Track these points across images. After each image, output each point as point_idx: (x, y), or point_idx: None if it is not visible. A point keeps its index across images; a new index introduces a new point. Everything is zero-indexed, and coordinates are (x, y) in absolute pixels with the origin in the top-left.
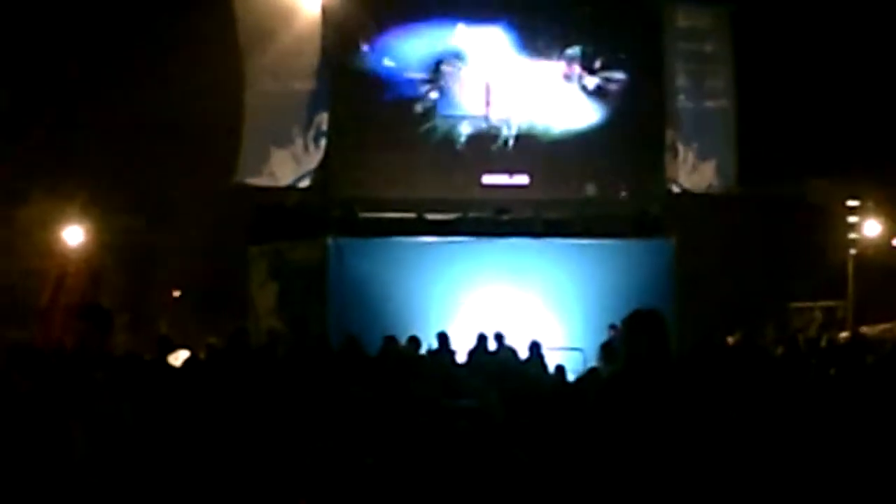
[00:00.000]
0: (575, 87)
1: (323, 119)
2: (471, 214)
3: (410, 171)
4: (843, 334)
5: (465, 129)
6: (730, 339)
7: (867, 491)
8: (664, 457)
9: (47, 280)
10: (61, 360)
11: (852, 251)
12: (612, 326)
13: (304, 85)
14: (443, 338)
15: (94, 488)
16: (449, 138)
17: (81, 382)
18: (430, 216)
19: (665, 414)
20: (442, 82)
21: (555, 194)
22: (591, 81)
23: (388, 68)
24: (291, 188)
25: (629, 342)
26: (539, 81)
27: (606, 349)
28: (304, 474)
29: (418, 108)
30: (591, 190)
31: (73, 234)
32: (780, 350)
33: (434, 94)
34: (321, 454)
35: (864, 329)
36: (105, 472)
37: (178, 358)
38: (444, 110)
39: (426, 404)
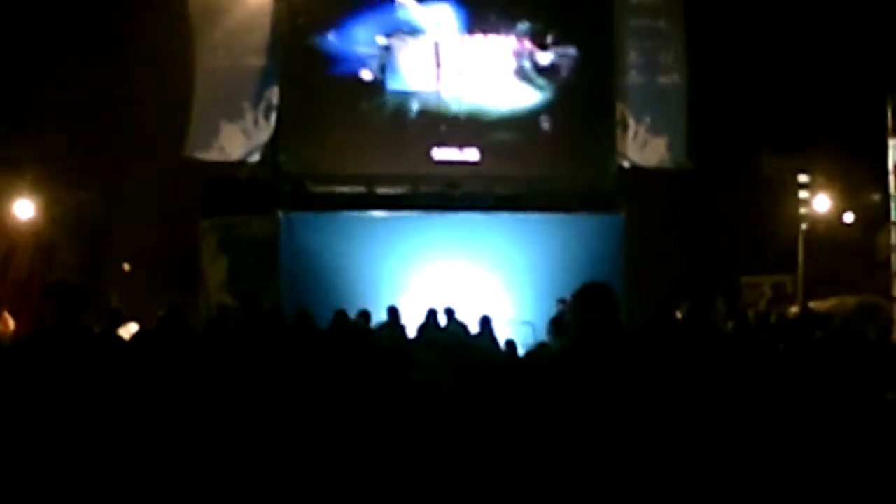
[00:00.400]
0: (525, 62)
1: (273, 94)
2: (421, 189)
3: (361, 146)
4: (793, 309)
5: (415, 105)
6: (678, 314)
7: (816, 464)
8: (614, 430)
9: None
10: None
11: (803, 226)
12: (561, 301)
13: (255, 60)
14: (393, 312)
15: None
16: (399, 113)
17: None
18: (381, 190)
19: (615, 387)
20: (391, 58)
21: (505, 170)
22: (542, 57)
23: (337, 44)
24: (242, 162)
25: (578, 316)
26: (489, 57)
27: (556, 323)
28: (254, 449)
29: (368, 83)
30: (545, 123)
31: (24, 208)
32: (729, 325)
33: (383, 70)
34: (271, 428)
35: (814, 304)
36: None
37: (129, 331)
38: (393, 85)
39: (377, 378)
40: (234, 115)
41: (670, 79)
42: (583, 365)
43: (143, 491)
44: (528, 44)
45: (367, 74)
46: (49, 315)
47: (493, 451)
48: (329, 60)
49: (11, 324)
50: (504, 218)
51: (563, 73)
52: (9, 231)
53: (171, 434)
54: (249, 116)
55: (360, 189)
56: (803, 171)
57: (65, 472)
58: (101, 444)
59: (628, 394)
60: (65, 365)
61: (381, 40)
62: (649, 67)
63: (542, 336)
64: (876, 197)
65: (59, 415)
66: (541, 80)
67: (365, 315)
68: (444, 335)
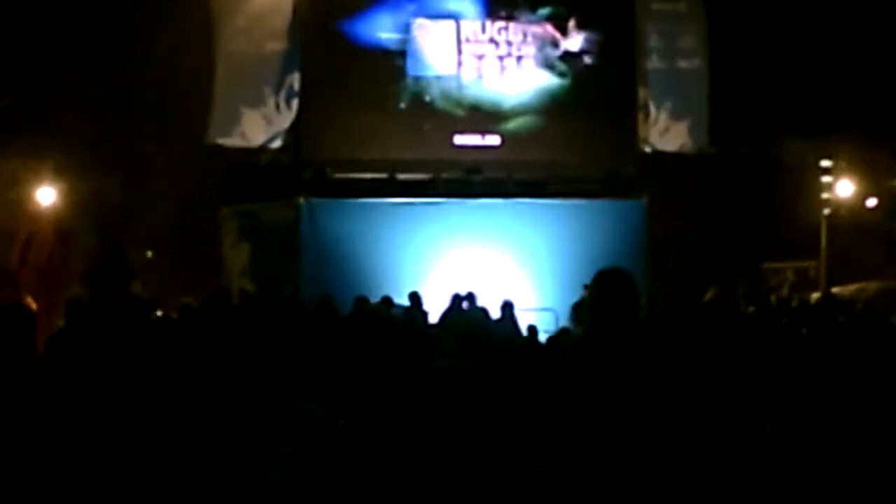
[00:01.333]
0: (547, 48)
1: (295, 79)
2: (443, 175)
3: (382, 132)
4: (815, 294)
5: (436, 90)
6: (707, 297)
7: (839, 449)
8: (634, 415)
9: (16, 240)
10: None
11: (826, 211)
12: (587, 286)
13: (277, 45)
14: (415, 297)
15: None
16: (420, 99)
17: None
18: (402, 177)
19: (633, 373)
20: (413, 43)
21: (526, 155)
22: (564, 42)
23: (359, 29)
24: (263, 148)
25: (594, 302)
26: (511, 42)
27: (578, 309)
28: (276, 434)
29: (389, 68)
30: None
31: (46, 195)
32: (751, 309)
33: (405, 55)
34: (293, 414)
35: (836, 289)
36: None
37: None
38: (415, 71)
39: (399, 363)
40: (256, 101)
41: (691, 63)
42: (597, 351)
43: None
44: (550, 28)
45: (388, 59)
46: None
47: (513, 437)
48: (351, 45)
49: (34, 307)
50: (525, 204)
51: (585, 58)
52: (30, 217)
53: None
54: (271, 102)
55: (382, 175)
56: (826, 157)
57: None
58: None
59: (645, 380)
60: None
61: (402, 26)
62: (670, 52)
63: (564, 322)
64: None
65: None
66: (562, 66)
67: (387, 301)
68: (465, 320)
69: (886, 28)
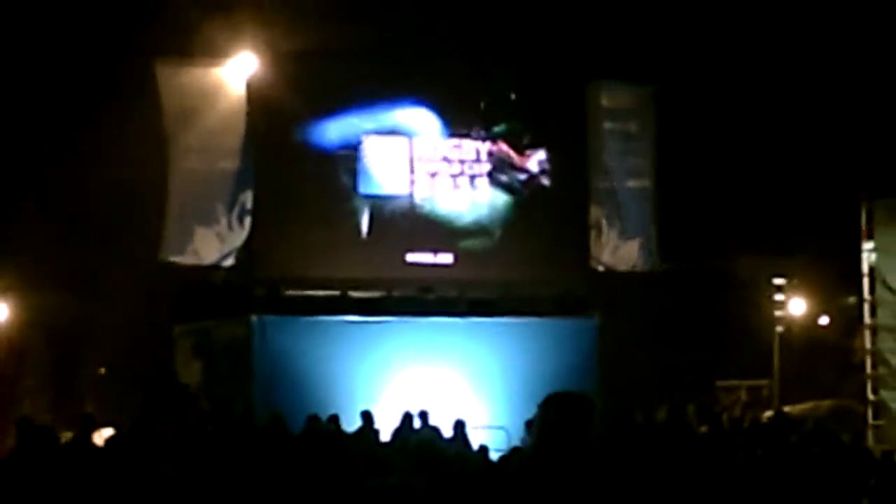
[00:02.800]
0: (502, 165)
1: (248, 197)
2: (395, 293)
3: (335, 250)
4: (768, 413)
5: (388, 208)
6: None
7: None
8: None
9: None
10: None
11: (779, 329)
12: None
13: (230, 163)
14: (367, 416)
15: None
16: (372, 217)
17: None
18: (355, 294)
19: (581, 492)
20: (364, 161)
21: (478, 274)
22: (518, 160)
23: (311, 147)
24: (216, 266)
25: (541, 423)
26: (464, 159)
27: (531, 427)
28: None
29: (342, 187)
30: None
31: None
32: (703, 429)
33: (357, 174)
34: None
35: (788, 408)
36: None
37: (103, 436)
38: (366, 189)
39: (350, 484)
40: (209, 219)
41: (641, 182)
42: (545, 470)
43: None
44: (504, 147)
45: (340, 178)
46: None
47: None
48: (303, 164)
49: None
50: (478, 322)
51: (540, 178)
52: None
53: None
54: (223, 220)
55: (334, 293)
56: (778, 275)
57: None
58: None
59: (592, 498)
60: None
61: (355, 144)
62: (621, 171)
63: (516, 440)
64: (851, 300)
65: None
66: (516, 184)
67: (334, 419)
68: (417, 439)
69: (836, 147)
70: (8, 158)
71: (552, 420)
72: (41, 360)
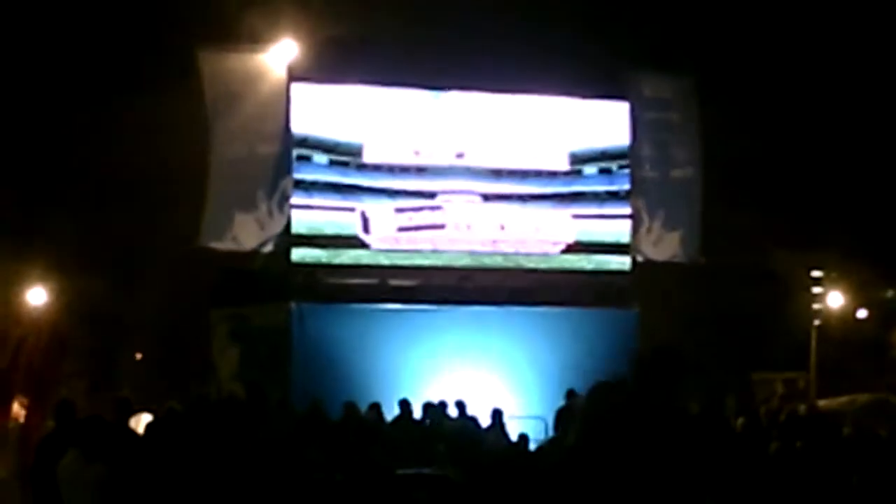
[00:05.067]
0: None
1: (288, 184)
2: (434, 281)
3: None
4: (803, 406)
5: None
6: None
7: None
8: None
9: (8, 341)
10: None
11: (816, 322)
12: (570, 393)
13: (270, 149)
14: (405, 405)
15: None
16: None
17: None
18: (394, 282)
19: (623, 483)
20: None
21: (519, 262)
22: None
23: None
24: (255, 252)
25: (588, 412)
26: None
27: (560, 415)
28: None
29: None
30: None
31: (37, 295)
32: (741, 422)
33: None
34: None
35: (825, 402)
36: None
37: (140, 422)
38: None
39: (387, 472)
40: (249, 205)
41: (684, 173)
42: (589, 462)
43: None
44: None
45: None
46: None
47: None
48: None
49: (22, 414)
50: (517, 311)
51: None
52: (21, 318)
53: None
54: (263, 207)
55: (373, 281)
56: (816, 268)
57: None
58: None
59: (635, 490)
60: None
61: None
62: (663, 161)
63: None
64: (889, 293)
65: None
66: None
67: (375, 408)
68: (455, 428)
69: (875, 141)
70: (49, 145)
71: (599, 410)
72: (79, 344)
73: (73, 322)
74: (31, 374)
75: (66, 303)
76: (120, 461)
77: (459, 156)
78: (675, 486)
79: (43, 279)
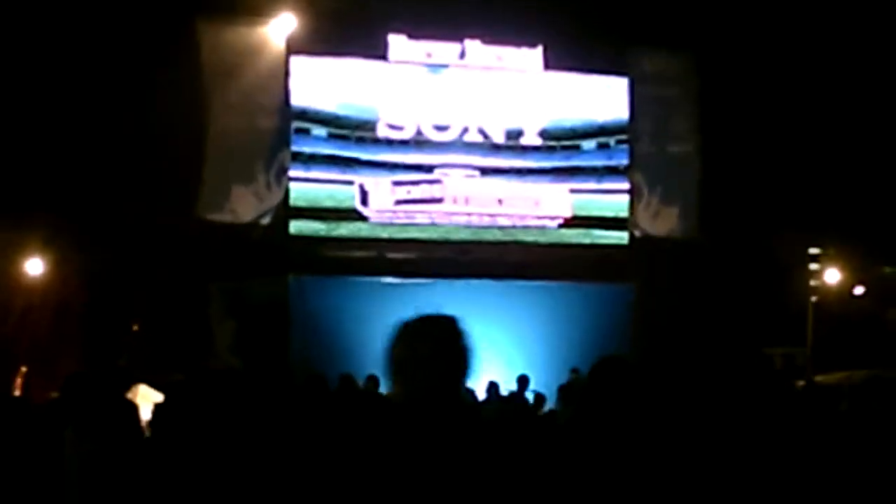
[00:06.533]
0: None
1: (286, 156)
2: (432, 255)
3: None
4: (800, 382)
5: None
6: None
7: None
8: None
9: (10, 313)
10: None
11: (813, 298)
12: (574, 370)
13: (268, 121)
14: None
15: None
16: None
17: None
18: (391, 255)
19: (624, 458)
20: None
21: (517, 236)
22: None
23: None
24: (253, 225)
25: (590, 388)
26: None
27: (564, 391)
28: None
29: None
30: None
31: (34, 266)
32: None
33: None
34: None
35: (821, 377)
36: None
37: (138, 393)
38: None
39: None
40: (247, 178)
41: (683, 148)
42: (589, 437)
43: None
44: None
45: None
46: None
47: None
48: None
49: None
50: (515, 285)
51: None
52: (25, 290)
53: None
54: (262, 179)
55: (371, 254)
56: (814, 244)
57: None
58: None
59: (638, 466)
60: None
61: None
62: (662, 136)
63: (550, 404)
64: (886, 270)
65: None
66: (558, 145)
67: (373, 380)
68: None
69: (875, 118)
70: (46, 115)
71: (602, 385)
72: (77, 314)
73: (71, 293)
74: (35, 346)
75: (65, 274)
76: (113, 440)
77: (458, 130)
78: (671, 462)
79: (42, 250)
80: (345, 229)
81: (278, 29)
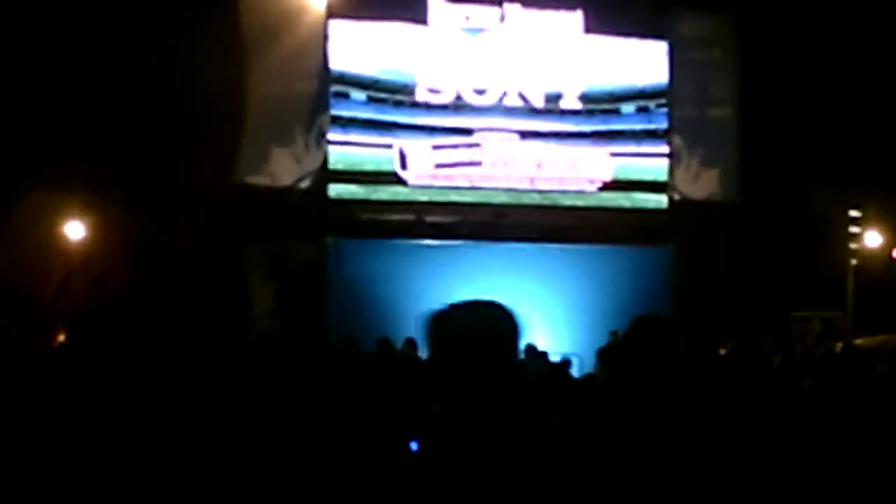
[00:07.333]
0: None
1: (325, 120)
2: (470, 218)
3: None
4: (839, 345)
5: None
6: (722, 350)
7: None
8: (657, 467)
9: (50, 278)
10: None
11: (853, 262)
12: (613, 333)
13: (308, 86)
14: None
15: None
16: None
17: None
18: (430, 218)
19: (660, 422)
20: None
21: (556, 199)
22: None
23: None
24: (292, 188)
25: (629, 349)
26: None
27: (604, 354)
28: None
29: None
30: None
31: (75, 230)
32: (777, 360)
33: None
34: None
35: (861, 340)
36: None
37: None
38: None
39: (424, 408)
40: (286, 141)
41: (723, 111)
42: (628, 400)
43: None
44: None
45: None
46: None
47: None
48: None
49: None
50: (553, 249)
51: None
52: (64, 255)
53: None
54: (301, 142)
55: (409, 217)
56: (854, 207)
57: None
58: None
59: (672, 429)
60: None
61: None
62: (702, 100)
63: (588, 368)
64: None
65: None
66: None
67: (411, 343)
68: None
69: None
70: (83, 77)
71: (638, 344)
72: (116, 279)
73: (110, 258)
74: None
75: (103, 239)
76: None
77: (497, 94)
78: (705, 423)
79: (81, 215)
80: (384, 193)
81: None
